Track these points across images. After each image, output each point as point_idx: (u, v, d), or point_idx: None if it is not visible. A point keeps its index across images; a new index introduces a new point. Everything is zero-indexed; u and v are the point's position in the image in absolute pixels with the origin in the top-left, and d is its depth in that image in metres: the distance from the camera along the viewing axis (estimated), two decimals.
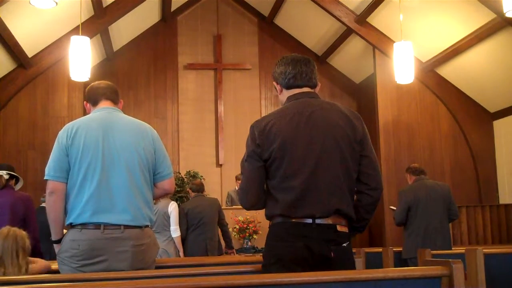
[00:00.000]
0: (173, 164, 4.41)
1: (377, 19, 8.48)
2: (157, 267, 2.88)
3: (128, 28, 9.48)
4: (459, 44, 7.81)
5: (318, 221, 2.30)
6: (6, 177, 4.13)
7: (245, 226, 7.58)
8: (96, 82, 3.07)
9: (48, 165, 2.77)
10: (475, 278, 2.73)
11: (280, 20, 10.41)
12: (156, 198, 3.18)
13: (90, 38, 7.12)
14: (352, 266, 2.39)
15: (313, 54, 10.40)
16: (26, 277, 2.74)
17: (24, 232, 3.13)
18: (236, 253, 6.98)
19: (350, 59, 10.09)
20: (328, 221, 2.32)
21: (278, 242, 2.33)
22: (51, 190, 2.74)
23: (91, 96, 3.00)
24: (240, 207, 3.20)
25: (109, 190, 2.72)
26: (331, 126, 2.38)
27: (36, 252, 3.55)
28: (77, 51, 6.57)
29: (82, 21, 7.22)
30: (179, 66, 10.33)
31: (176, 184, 8.48)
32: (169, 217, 6.08)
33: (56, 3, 6.48)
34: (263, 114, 9.17)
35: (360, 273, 1.89)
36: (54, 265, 2.94)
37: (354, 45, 9.49)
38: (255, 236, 7.61)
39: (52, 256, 3.93)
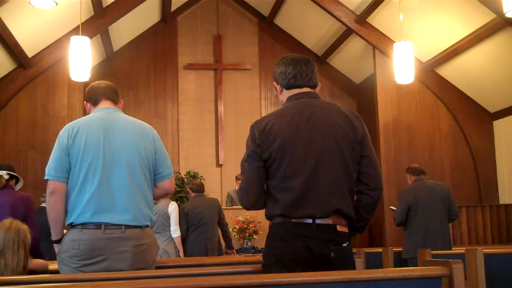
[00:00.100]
0: (173, 164, 4.40)
1: (377, 19, 8.48)
2: (157, 267, 2.88)
3: (128, 28, 9.48)
4: (459, 44, 7.81)
5: (318, 221, 2.30)
6: (6, 177, 4.12)
7: (245, 226, 7.58)
8: (96, 82, 3.06)
9: (48, 165, 2.76)
10: (475, 278, 2.73)
11: (280, 20, 10.41)
12: (156, 198, 3.18)
13: (90, 38, 7.12)
14: (352, 266, 2.38)
15: (313, 54, 10.40)
16: (26, 277, 2.74)
17: (25, 226, 3.13)
18: (236, 253, 6.98)
19: (350, 59, 10.09)
20: (328, 221, 2.32)
21: (278, 242, 2.33)
22: (52, 190, 2.74)
23: (91, 96, 3.00)
24: (240, 207, 3.20)
25: (110, 190, 2.72)
26: (331, 126, 2.38)
27: (36, 252, 3.55)
28: (77, 51, 6.57)
29: (82, 21, 7.22)
30: (179, 66, 10.34)
31: (176, 184, 8.47)
32: (169, 217, 6.08)
33: (56, 3, 6.48)
34: (263, 114, 9.18)
35: (360, 273, 1.89)
36: (54, 265, 2.94)
37: (354, 45, 9.49)
38: (255, 236, 7.61)
39: (52, 256, 3.93)
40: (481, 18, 7.22)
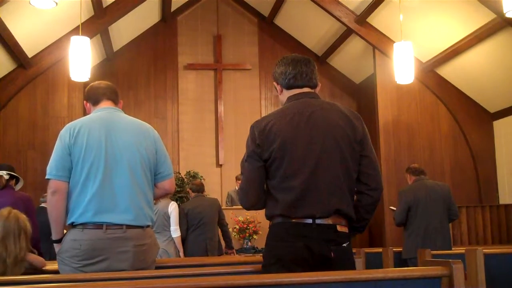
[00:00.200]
0: (173, 164, 4.39)
1: (377, 19, 8.48)
2: (157, 267, 2.87)
3: (128, 28, 9.48)
4: (459, 44, 7.81)
5: (318, 221, 2.30)
6: (6, 177, 4.13)
7: (245, 226, 7.58)
8: (96, 82, 3.06)
9: (50, 164, 2.75)
10: (475, 278, 2.73)
11: (280, 20, 10.41)
12: (157, 198, 3.18)
13: (90, 38, 7.12)
14: (352, 266, 2.38)
15: (313, 54, 10.40)
16: (26, 277, 2.74)
17: (24, 215, 3.14)
18: (236, 253, 6.98)
19: (350, 59, 10.09)
20: (328, 221, 2.32)
21: (278, 242, 2.33)
22: (54, 189, 2.72)
23: (91, 96, 2.99)
24: (240, 207, 3.20)
25: (111, 190, 2.71)
26: (331, 126, 2.38)
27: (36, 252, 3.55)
28: (77, 51, 6.57)
29: (82, 21, 7.22)
30: (179, 66, 10.34)
31: (176, 184, 8.46)
32: (169, 217, 6.08)
33: (56, 3, 6.48)
34: (263, 114, 9.19)
35: (360, 273, 1.89)
36: (54, 265, 2.93)
37: (354, 45, 9.49)
38: (255, 236, 7.61)
39: (52, 256, 3.93)
40: (481, 18, 7.21)
